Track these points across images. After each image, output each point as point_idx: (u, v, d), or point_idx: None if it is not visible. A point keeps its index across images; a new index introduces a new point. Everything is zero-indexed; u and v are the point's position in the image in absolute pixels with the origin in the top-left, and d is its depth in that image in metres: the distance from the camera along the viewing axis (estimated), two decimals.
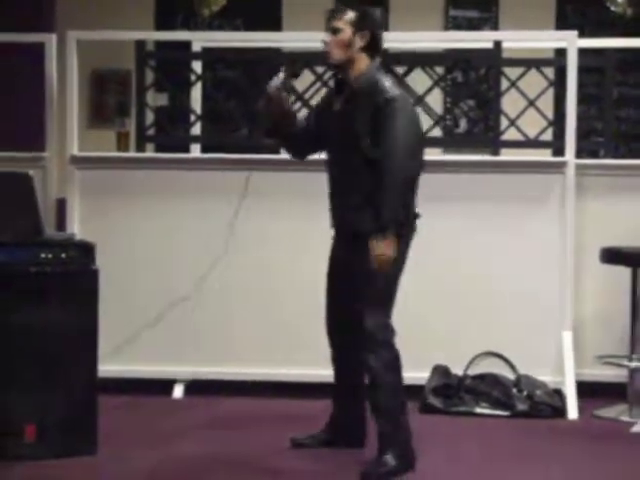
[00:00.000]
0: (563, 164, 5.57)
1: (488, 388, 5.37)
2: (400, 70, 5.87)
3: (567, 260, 5.53)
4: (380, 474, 4.19)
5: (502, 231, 5.58)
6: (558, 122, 6.02)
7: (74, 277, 4.43)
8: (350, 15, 4.35)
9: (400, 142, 4.19)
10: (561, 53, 6.06)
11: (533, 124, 5.81)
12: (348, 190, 4.34)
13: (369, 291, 4.27)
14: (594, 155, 7.01)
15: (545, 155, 6.53)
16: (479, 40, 6.33)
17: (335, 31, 4.34)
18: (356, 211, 4.30)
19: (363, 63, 4.36)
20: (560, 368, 5.48)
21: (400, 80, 5.79)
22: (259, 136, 5.63)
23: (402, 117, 4.22)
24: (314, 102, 5.19)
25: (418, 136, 4.33)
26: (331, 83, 4.84)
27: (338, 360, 4.59)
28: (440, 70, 6.16)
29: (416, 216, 4.39)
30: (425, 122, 5.76)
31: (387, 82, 4.31)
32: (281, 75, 4.45)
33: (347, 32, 4.33)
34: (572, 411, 5.30)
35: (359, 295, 4.31)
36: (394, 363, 4.31)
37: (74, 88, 5.80)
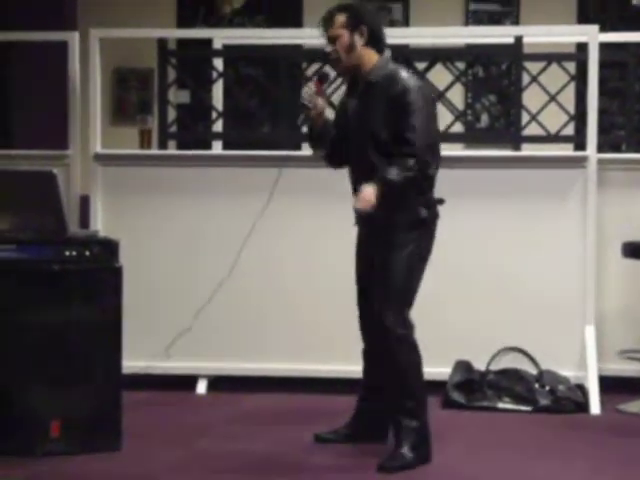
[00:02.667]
0: (585, 159, 5.56)
1: (510, 383, 5.37)
2: (421, 66, 5.88)
3: (589, 255, 5.52)
4: (396, 467, 4.21)
5: (524, 226, 5.58)
6: (579, 117, 6.01)
7: (98, 274, 4.45)
8: (341, 18, 4.35)
9: (420, 133, 4.20)
10: (582, 47, 6.04)
11: (554, 119, 5.81)
12: (364, 179, 4.27)
13: (387, 286, 4.29)
14: (616, 149, 6.99)
15: (567, 150, 6.52)
16: (500, 35, 6.32)
17: (333, 39, 4.36)
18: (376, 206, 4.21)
19: (372, 58, 4.37)
20: (582, 363, 5.48)
21: (421, 75, 5.81)
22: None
23: (421, 108, 4.23)
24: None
25: (435, 126, 4.35)
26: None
27: (368, 355, 4.59)
28: (461, 65, 6.16)
29: (439, 202, 4.41)
30: (446, 117, 5.81)
31: (403, 73, 4.33)
32: (311, 84, 4.45)
33: (345, 36, 4.34)
34: (594, 406, 5.30)
35: (377, 289, 4.33)
36: (415, 360, 4.35)
37: (97, 86, 5.83)
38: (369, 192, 4.15)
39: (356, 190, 4.38)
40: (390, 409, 4.38)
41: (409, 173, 4.20)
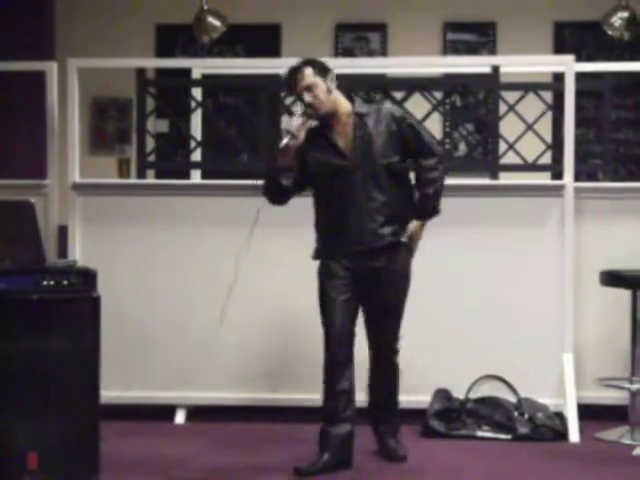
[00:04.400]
0: (562, 187, 5.59)
1: (489, 411, 5.37)
2: (399, 95, 5.91)
3: (567, 283, 5.54)
4: (406, 454, 4.83)
5: (501, 254, 5.60)
6: (556, 145, 6.04)
7: (76, 304, 4.43)
8: (309, 69, 4.62)
9: (434, 143, 4.82)
10: (559, 77, 6.09)
11: (532, 148, 5.84)
12: (376, 205, 4.64)
13: (398, 304, 4.76)
14: (593, 178, 7.04)
15: (544, 178, 6.55)
16: (477, 65, 6.36)
17: (310, 88, 4.61)
18: (386, 225, 4.67)
19: (344, 100, 4.69)
20: (561, 391, 5.49)
21: (399, 104, 5.84)
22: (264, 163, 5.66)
23: (420, 125, 4.83)
24: None
25: None
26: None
27: (350, 387, 4.72)
28: (439, 95, 6.19)
29: None
30: None
31: (387, 103, 4.81)
32: (299, 116, 4.61)
33: (319, 83, 4.62)
34: (573, 434, 5.30)
35: (390, 305, 4.75)
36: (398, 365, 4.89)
37: (75, 115, 5.83)
38: (420, 234, 4.81)
39: (346, 217, 4.63)
40: (386, 410, 4.88)
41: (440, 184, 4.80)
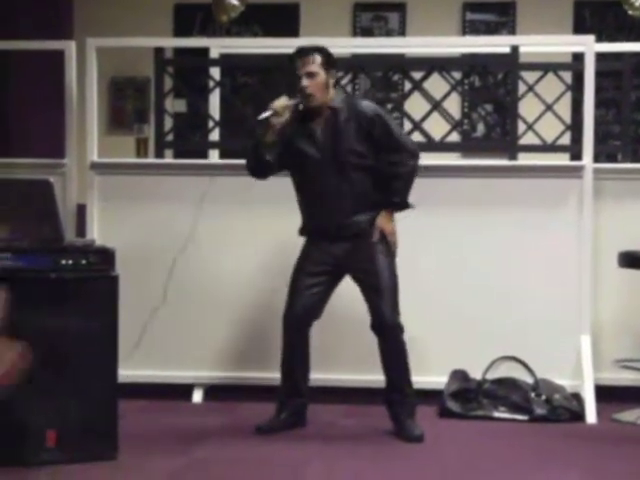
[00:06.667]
0: (581, 168, 5.57)
1: (506, 392, 5.36)
2: (417, 75, 5.89)
3: (585, 264, 5.52)
4: (422, 434, 4.80)
5: (520, 236, 5.58)
6: (576, 126, 6.02)
7: (94, 283, 4.45)
8: (319, 58, 4.80)
9: (404, 139, 4.87)
10: (579, 57, 6.06)
11: (551, 128, 5.82)
12: (344, 197, 4.81)
13: (383, 284, 4.79)
14: (612, 159, 7.01)
15: (563, 159, 6.53)
16: (497, 45, 6.33)
17: (311, 75, 4.77)
18: (357, 214, 4.83)
19: (332, 96, 4.90)
20: (578, 372, 5.48)
21: (417, 85, 5.83)
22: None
23: (394, 121, 4.93)
24: None
25: None
26: None
27: (305, 364, 5.06)
28: (457, 75, 6.17)
29: None
30: (443, 127, 5.83)
31: (363, 101, 4.91)
32: (285, 98, 4.79)
33: (322, 74, 4.80)
34: (590, 415, 5.30)
35: (371, 288, 4.80)
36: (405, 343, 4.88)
37: (93, 95, 5.83)
38: (391, 227, 4.86)
39: (322, 202, 4.84)
40: (400, 388, 4.87)
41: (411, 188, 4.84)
